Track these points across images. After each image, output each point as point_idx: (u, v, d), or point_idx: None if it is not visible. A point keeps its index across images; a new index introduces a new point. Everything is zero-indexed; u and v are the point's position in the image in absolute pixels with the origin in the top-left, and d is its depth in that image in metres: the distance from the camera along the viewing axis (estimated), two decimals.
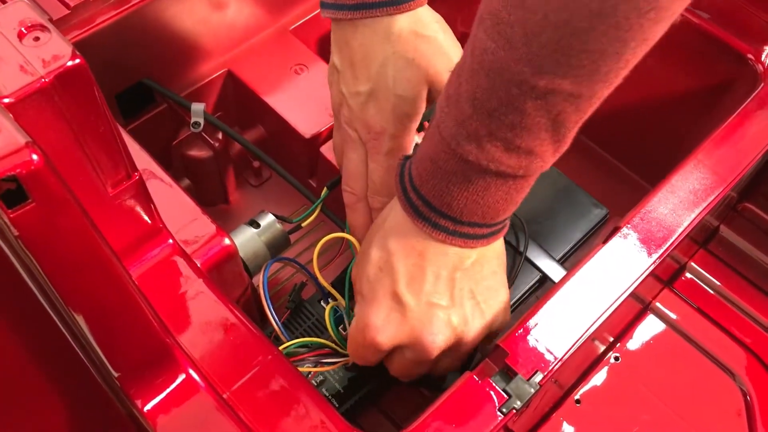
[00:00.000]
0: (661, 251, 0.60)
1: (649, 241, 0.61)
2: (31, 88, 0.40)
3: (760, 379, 0.78)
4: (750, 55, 0.74)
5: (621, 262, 0.60)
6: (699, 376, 0.78)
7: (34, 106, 0.41)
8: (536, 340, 0.56)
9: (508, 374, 0.55)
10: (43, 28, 0.42)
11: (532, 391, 0.54)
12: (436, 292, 0.55)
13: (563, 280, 0.60)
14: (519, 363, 0.55)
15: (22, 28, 0.42)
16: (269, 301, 0.65)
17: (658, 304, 0.82)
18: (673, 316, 0.81)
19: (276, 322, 0.65)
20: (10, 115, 0.38)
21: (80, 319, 0.42)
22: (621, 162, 0.94)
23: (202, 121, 0.80)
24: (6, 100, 0.40)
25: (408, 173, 0.54)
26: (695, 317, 0.81)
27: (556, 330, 0.57)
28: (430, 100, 0.64)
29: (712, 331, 0.80)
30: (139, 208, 0.54)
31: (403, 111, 0.62)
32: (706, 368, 0.78)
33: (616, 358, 0.80)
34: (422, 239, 0.54)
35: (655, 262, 0.60)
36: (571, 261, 0.76)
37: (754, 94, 0.71)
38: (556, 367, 0.55)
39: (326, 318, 0.69)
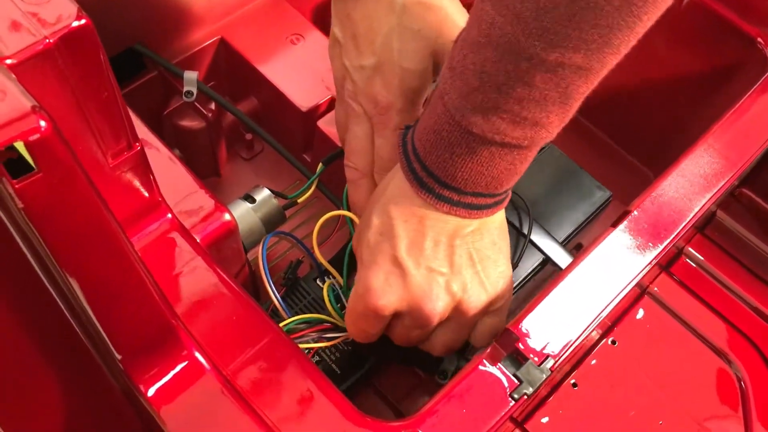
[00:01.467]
0: (672, 236, 0.59)
1: (659, 226, 0.60)
2: (34, 50, 0.38)
3: (756, 365, 0.78)
4: (759, 39, 0.73)
5: (632, 247, 0.59)
6: (695, 361, 0.78)
7: (37, 68, 0.38)
8: (546, 325, 0.55)
9: (518, 359, 0.54)
10: None
11: (544, 376, 0.53)
12: (436, 258, 0.55)
13: (574, 263, 0.59)
14: (529, 348, 0.54)
15: None
16: (269, 276, 0.63)
17: (655, 289, 0.81)
18: (670, 300, 0.80)
19: (277, 298, 0.63)
20: (13, 76, 0.35)
21: (83, 298, 0.40)
22: (620, 145, 0.93)
23: (195, 90, 0.76)
24: (7, 62, 0.37)
25: (411, 143, 0.54)
26: (692, 302, 0.81)
27: (567, 315, 0.56)
28: (437, 71, 0.62)
29: (708, 316, 0.80)
30: (138, 181, 0.51)
31: (410, 84, 0.60)
32: (702, 354, 0.78)
33: (613, 342, 0.79)
34: (424, 208, 0.53)
35: (666, 246, 0.59)
36: (572, 242, 0.75)
37: (763, 78, 0.69)
38: (568, 352, 0.54)
39: (324, 295, 0.67)
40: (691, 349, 0.79)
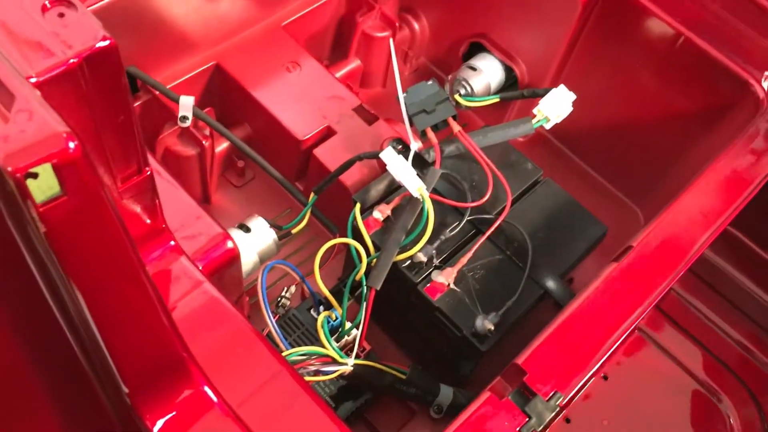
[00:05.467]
0: (674, 272, 0.60)
1: (661, 262, 0.60)
2: (58, 70, 0.36)
3: (744, 404, 0.79)
4: (752, 81, 0.74)
5: (635, 283, 0.59)
6: (685, 398, 0.78)
7: (59, 88, 0.37)
8: (553, 360, 0.55)
9: (526, 394, 0.53)
10: (69, 4, 0.38)
11: (552, 413, 0.52)
12: None
13: (578, 298, 0.58)
14: (537, 383, 0.53)
15: (46, 2, 0.38)
16: (268, 307, 0.61)
17: (644, 324, 0.82)
18: (660, 336, 0.81)
19: (276, 330, 0.62)
20: (38, 93, 0.34)
21: (94, 327, 0.38)
22: (608, 181, 0.93)
23: (191, 115, 0.75)
24: (31, 81, 0.36)
25: None
26: (682, 339, 0.81)
27: (572, 350, 0.55)
28: None
29: (698, 353, 0.81)
30: (145, 206, 0.50)
31: None
32: (692, 391, 0.79)
33: (605, 377, 0.79)
34: None
35: (671, 282, 0.59)
36: (568, 275, 0.75)
37: (756, 119, 0.71)
38: (577, 388, 0.53)
39: (319, 328, 0.66)
40: (681, 385, 0.79)
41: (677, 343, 0.82)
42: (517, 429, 0.51)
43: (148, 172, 0.47)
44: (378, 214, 0.70)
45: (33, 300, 0.38)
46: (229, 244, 0.57)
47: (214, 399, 0.45)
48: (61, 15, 0.38)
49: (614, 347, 0.56)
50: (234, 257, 0.57)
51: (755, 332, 0.83)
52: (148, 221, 0.51)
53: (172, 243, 0.53)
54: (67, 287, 0.36)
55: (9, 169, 0.30)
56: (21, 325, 0.40)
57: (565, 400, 0.53)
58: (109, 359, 0.40)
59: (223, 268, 0.57)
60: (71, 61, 0.37)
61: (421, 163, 0.73)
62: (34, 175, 0.32)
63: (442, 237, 0.70)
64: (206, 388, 0.45)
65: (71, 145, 0.32)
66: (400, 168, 0.68)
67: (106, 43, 0.38)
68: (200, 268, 0.55)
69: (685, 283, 0.87)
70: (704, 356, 0.81)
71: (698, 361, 0.81)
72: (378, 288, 0.65)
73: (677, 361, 0.80)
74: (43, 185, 0.32)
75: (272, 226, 0.74)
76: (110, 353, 0.39)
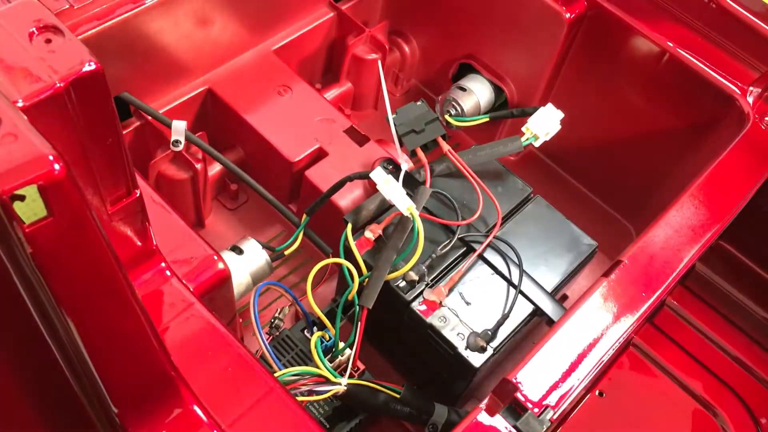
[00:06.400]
0: (663, 287, 0.60)
1: (650, 276, 0.61)
2: (45, 94, 0.37)
3: (740, 417, 0.78)
4: (737, 95, 0.75)
5: (624, 297, 0.60)
6: (681, 413, 0.78)
7: (46, 112, 0.38)
8: (543, 376, 0.55)
9: (517, 410, 0.53)
10: (56, 30, 0.39)
11: (543, 429, 0.52)
12: None
13: (568, 314, 0.59)
14: (528, 399, 0.53)
15: (33, 29, 0.39)
16: (260, 327, 0.62)
17: (639, 339, 0.82)
18: (654, 351, 0.81)
19: (268, 350, 0.62)
20: (25, 117, 0.35)
21: (82, 347, 0.38)
22: (600, 198, 0.94)
23: (183, 139, 0.76)
24: (17, 105, 0.36)
25: None
26: (676, 353, 0.81)
27: (563, 366, 0.56)
28: None
29: (693, 367, 0.80)
30: (135, 228, 0.50)
31: None
32: (688, 405, 0.78)
33: (600, 393, 0.79)
34: None
35: (658, 298, 0.59)
36: (559, 293, 0.75)
37: (742, 133, 0.72)
38: (567, 402, 0.53)
39: (312, 348, 0.66)
40: (676, 400, 0.79)
41: (673, 359, 0.82)
42: None
43: (137, 194, 0.48)
44: (369, 234, 0.71)
45: (22, 321, 0.39)
46: (220, 266, 0.58)
47: (204, 418, 0.45)
48: (48, 41, 0.39)
49: (606, 362, 0.56)
50: (225, 278, 0.58)
51: (751, 347, 0.83)
52: (139, 243, 0.52)
53: (163, 265, 0.54)
54: (55, 308, 0.36)
55: None
56: (10, 346, 0.40)
57: (558, 416, 0.53)
58: (98, 379, 0.40)
59: (214, 289, 0.57)
60: (58, 85, 0.37)
61: (411, 183, 0.73)
62: (21, 197, 0.33)
63: (434, 255, 0.71)
64: (196, 408, 0.45)
65: (56, 166, 0.32)
66: (390, 188, 0.69)
67: (92, 67, 0.39)
68: (191, 289, 0.55)
69: (680, 298, 0.87)
70: (700, 371, 0.81)
71: (694, 376, 0.81)
72: (370, 307, 0.65)
73: (673, 376, 0.80)
74: (30, 207, 0.33)
75: (265, 247, 0.75)
76: (99, 373, 0.40)
